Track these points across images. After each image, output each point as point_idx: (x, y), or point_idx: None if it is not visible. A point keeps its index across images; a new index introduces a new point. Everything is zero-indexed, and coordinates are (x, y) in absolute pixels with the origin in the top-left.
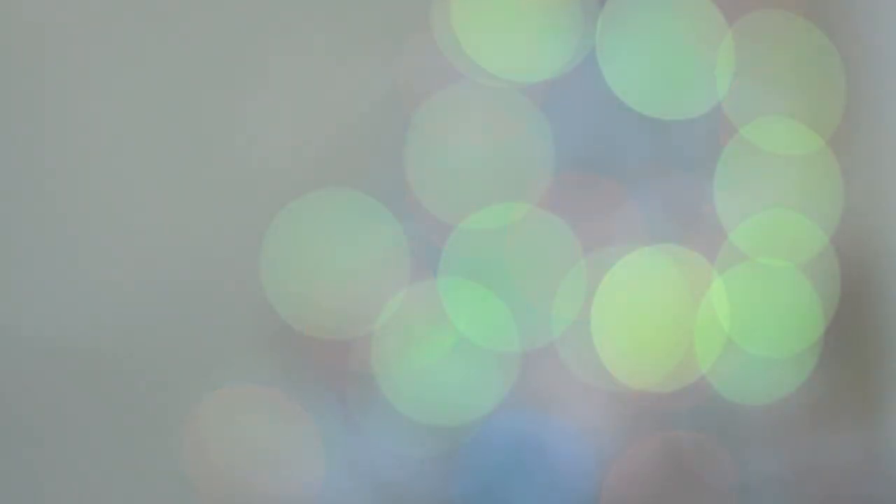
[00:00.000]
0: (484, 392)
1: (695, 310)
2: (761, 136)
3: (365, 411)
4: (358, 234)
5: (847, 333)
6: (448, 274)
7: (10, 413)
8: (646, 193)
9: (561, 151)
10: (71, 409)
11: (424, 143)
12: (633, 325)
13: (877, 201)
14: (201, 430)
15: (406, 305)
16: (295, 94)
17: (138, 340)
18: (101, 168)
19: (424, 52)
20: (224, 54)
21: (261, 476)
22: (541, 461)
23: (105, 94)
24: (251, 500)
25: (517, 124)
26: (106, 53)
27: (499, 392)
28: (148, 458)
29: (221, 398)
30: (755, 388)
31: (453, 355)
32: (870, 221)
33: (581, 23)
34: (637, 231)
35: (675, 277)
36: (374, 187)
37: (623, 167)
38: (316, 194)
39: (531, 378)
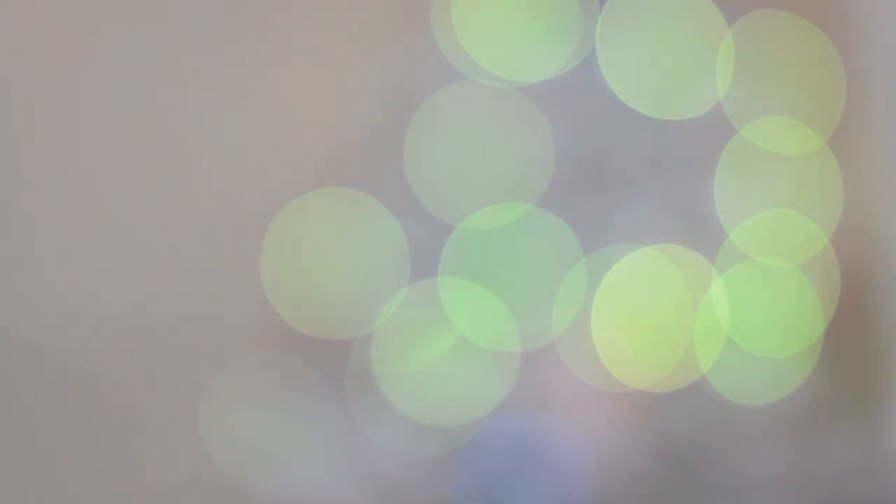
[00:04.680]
0: (484, 392)
1: (695, 310)
2: (761, 136)
3: (365, 411)
4: (358, 234)
5: (847, 333)
6: (448, 274)
7: (9, 414)
8: (646, 193)
9: (561, 151)
10: (71, 409)
11: (424, 143)
12: (633, 325)
13: (877, 201)
14: (201, 430)
15: (406, 305)
16: (294, 94)
17: (138, 340)
18: (101, 167)
19: (424, 52)
20: (223, 54)
21: (261, 476)
22: (540, 461)
23: (104, 94)
24: (251, 500)
25: (517, 124)
26: (105, 53)
27: (499, 392)
28: (148, 459)
29: (221, 398)
30: (755, 388)
31: (453, 355)
32: (870, 221)
33: (581, 23)
34: (637, 231)
35: (675, 277)
36: (374, 187)
37: (623, 167)
38: (316, 194)
39: (531, 378)
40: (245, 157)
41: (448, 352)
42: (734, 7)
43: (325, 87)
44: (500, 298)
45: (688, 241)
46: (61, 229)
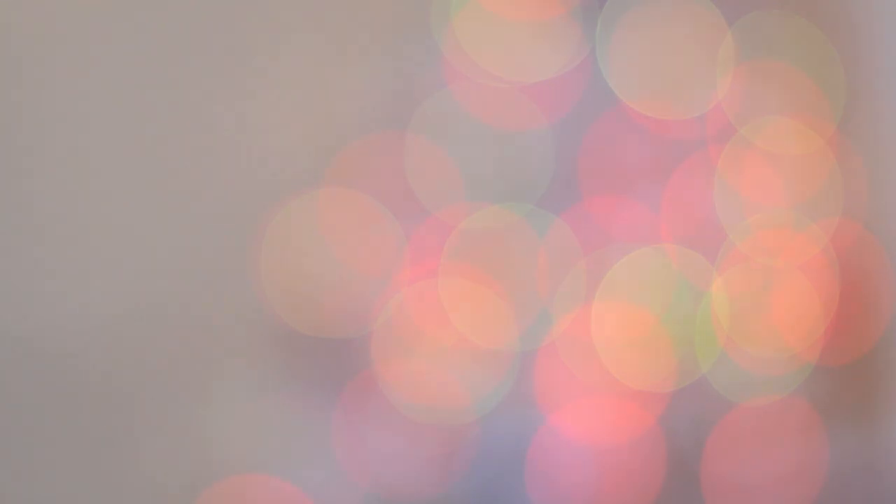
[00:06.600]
0: (484, 392)
1: (695, 310)
2: (761, 136)
3: (365, 411)
4: (358, 234)
5: (847, 333)
6: (448, 274)
7: (8, 413)
8: (646, 193)
9: (561, 151)
10: (73, 410)
11: (424, 143)
12: (633, 325)
13: (877, 201)
14: (201, 430)
15: (406, 305)
16: (295, 95)
17: (137, 341)
18: (100, 168)
19: (425, 52)
20: (223, 54)
21: (261, 476)
22: (540, 461)
23: (103, 95)
24: (252, 500)
25: (517, 124)
26: (104, 54)
27: (499, 392)
28: (147, 459)
29: (221, 398)
30: (755, 388)
31: (453, 355)
32: (870, 221)
33: (581, 23)
34: (637, 231)
35: (675, 277)
36: (374, 187)
37: (623, 167)
38: (316, 194)
39: (531, 378)
40: (246, 157)
41: (448, 352)
42: (734, 7)
43: (326, 88)
44: (500, 298)
45: (688, 241)
46: (61, 230)
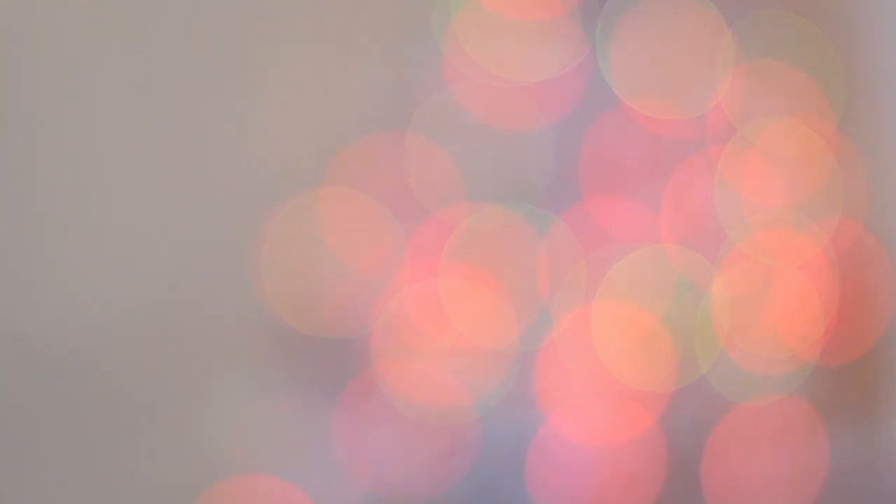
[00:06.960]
0: (484, 392)
1: (695, 310)
2: (761, 136)
3: (365, 411)
4: (358, 234)
5: (847, 333)
6: (448, 274)
7: (9, 415)
8: (646, 193)
9: (561, 151)
10: (73, 410)
11: (424, 143)
12: (633, 325)
13: (877, 201)
14: (200, 430)
15: (406, 305)
16: (295, 95)
17: (138, 341)
18: (101, 168)
19: (425, 51)
20: (224, 54)
21: (261, 476)
22: (540, 461)
23: (104, 96)
24: (252, 500)
25: (517, 124)
26: (104, 54)
27: (499, 392)
28: (147, 458)
29: (221, 398)
30: (755, 388)
31: (453, 355)
32: (870, 221)
33: (581, 23)
34: (637, 231)
35: (675, 277)
36: (374, 187)
37: (623, 167)
38: (316, 194)
39: (531, 378)
40: (246, 157)
41: (448, 352)
42: (734, 7)
43: (326, 88)
44: (500, 298)
45: (688, 241)
46: (61, 231)
